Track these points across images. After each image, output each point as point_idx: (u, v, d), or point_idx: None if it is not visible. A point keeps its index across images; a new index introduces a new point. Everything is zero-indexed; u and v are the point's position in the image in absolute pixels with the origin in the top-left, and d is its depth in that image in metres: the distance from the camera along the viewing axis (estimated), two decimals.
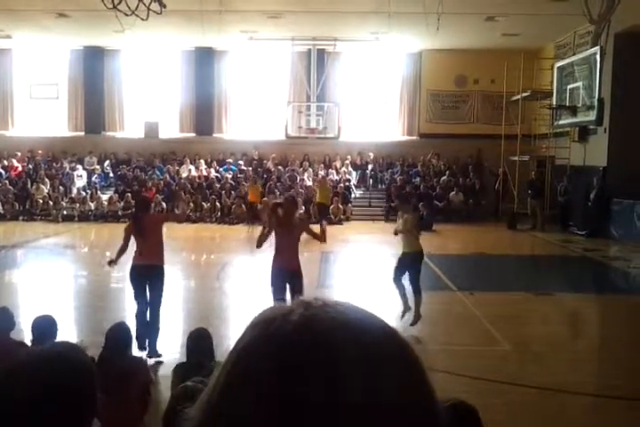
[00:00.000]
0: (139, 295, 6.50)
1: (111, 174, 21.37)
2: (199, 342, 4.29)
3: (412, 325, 7.28)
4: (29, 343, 4.42)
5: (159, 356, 6.40)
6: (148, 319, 6.45)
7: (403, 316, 7.45)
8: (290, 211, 6.66)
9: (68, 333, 6.39)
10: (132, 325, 5.39)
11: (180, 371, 4.11)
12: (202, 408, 0.60)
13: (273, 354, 0.57)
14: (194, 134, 22.44)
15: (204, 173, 20.94)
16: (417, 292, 7.50)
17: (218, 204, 19.14)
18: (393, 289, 7.70)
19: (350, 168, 21.34)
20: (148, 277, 6.43)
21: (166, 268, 6.66)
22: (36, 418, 1.21)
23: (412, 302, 7.56)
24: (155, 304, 6.45)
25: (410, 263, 7.54)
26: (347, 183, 20.56)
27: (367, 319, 0.62)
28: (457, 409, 2.16)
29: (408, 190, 17.39)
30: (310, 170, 21.07)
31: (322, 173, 20.77)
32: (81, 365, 1.33)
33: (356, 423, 0.55)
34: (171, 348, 6.80)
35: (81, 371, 1.31)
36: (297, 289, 6.35)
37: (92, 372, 1.34)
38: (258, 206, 17.46)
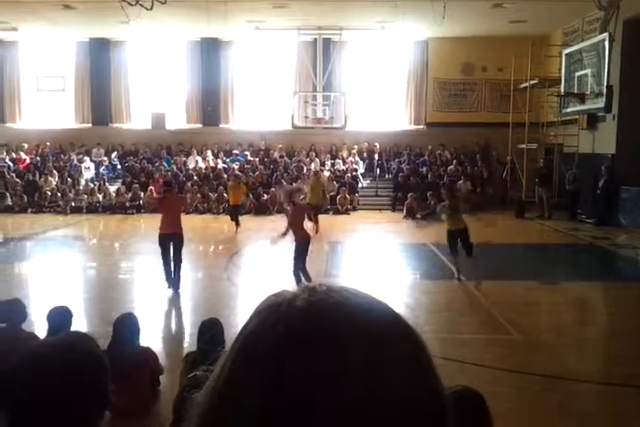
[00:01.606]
0: (164, 255, 8.69)
1: (119, 166, 21.41)
2: (210, 330, 4.33)
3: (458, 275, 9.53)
4: (45, 333, 4.45)
5: (178, 289, 8.69)
6: (173, 268, 8.68)
7: (458, 276, 9.54)
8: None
9: (77, 323, 6.44)
10: (141, 313, 5.46)
11: (190, 359, 4.15)
12: (207, 394, 0.60)
13: (278, 340, 0.57)
14: (201, 125, 22.43)
15: (212, 163, 20.95)
16: (469, 254, 9.66)
17: (225, 194, 19.15)
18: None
19: (357, 158, 21.30)
20: (171, 241, 8.67)
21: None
22: (48, 409, 1.23)
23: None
24: (177, 259, 8.73)
25: (458, 236, 9.62)
26: (353, 173, 20.54)
27: (373, 304, 0.62)
28: (462, 395, 2.17)
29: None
30: (317, 160, 21.04)
31: (327, 164, 20.75)
32: (93, 357, 1.34)
33: (361, 409, 0.55)
34: (180, 337, 6.86)
35: (93, 363, 1.32)
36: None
37: (104, 364, 1.35)
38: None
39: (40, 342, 1.41)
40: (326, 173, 20.28)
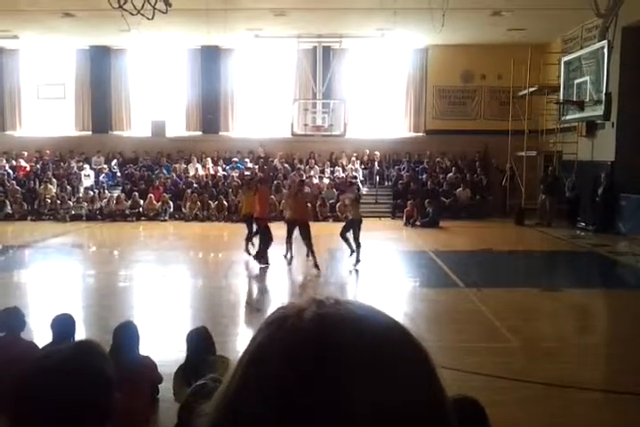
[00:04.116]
0: (253, 233, 11.79)
1: (118, 173, 21.44)
2: (196, 339, 4.34)
3: (355, 264, 11.07)
4: (47, 341, 4.44)
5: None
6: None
7: (351, 254, 11.27)
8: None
9: (77, 331, 6.42)
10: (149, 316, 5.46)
11: (180, 373, 4.15)
12: (217, 406, 0.61)
13: (287, 353, 0.58)
14: (200, 133, 22.48)
15: (211, 171, 20.98)
16: (358, 244, 11.15)
17: (225, 202, 19.16)
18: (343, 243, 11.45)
19: (357, 165, 21.32)
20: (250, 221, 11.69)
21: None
22: (56, 420, 1.22)
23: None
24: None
25: (354, 225, 11.25)
26: (353, 180, 20.53)
27: (378, 317, 0.63)
28: (462, 403, 2.16)
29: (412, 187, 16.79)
30: (316, 167, 21.07)
31: (326, 172, 20.73)
32: (99, 375, 1.32)
33: (367, 418, 0.56)
34: (179, 346, 6.83)
35: (99, 382, 1.31)
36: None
37: (111, 380, 1.33)
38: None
39: (47, 359, 1.39)
40: (326, 181, 20.32)
